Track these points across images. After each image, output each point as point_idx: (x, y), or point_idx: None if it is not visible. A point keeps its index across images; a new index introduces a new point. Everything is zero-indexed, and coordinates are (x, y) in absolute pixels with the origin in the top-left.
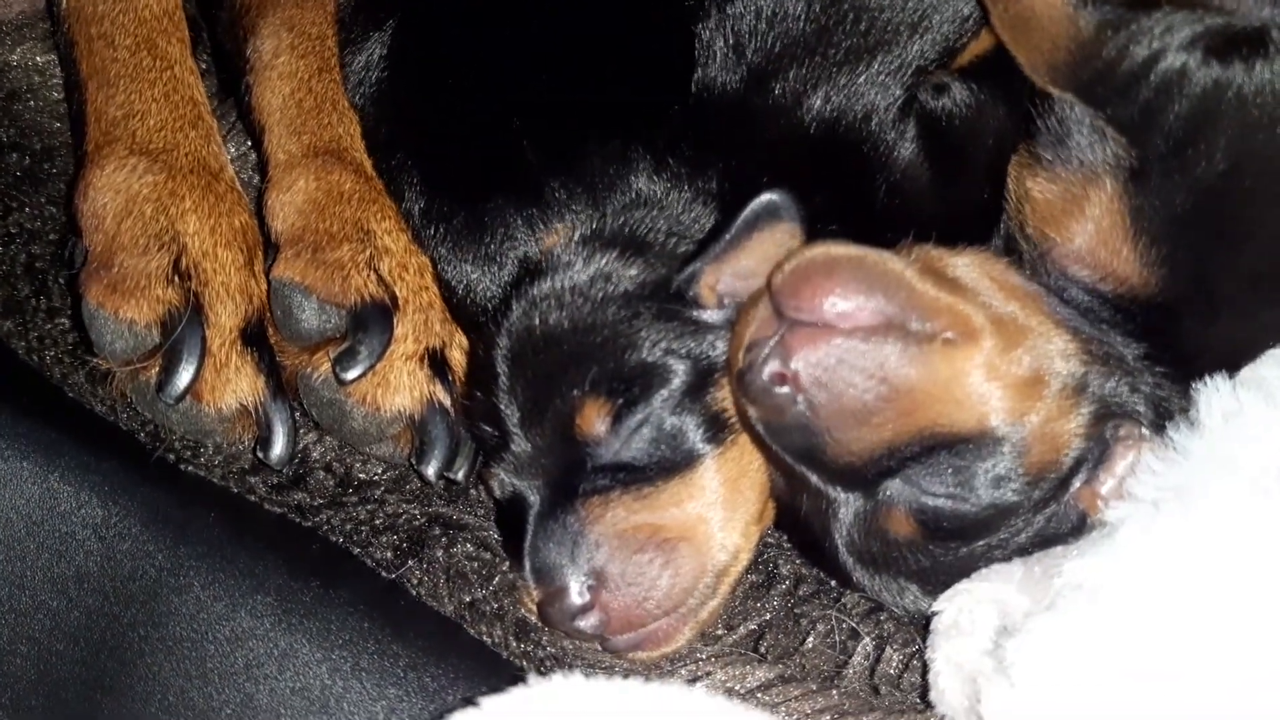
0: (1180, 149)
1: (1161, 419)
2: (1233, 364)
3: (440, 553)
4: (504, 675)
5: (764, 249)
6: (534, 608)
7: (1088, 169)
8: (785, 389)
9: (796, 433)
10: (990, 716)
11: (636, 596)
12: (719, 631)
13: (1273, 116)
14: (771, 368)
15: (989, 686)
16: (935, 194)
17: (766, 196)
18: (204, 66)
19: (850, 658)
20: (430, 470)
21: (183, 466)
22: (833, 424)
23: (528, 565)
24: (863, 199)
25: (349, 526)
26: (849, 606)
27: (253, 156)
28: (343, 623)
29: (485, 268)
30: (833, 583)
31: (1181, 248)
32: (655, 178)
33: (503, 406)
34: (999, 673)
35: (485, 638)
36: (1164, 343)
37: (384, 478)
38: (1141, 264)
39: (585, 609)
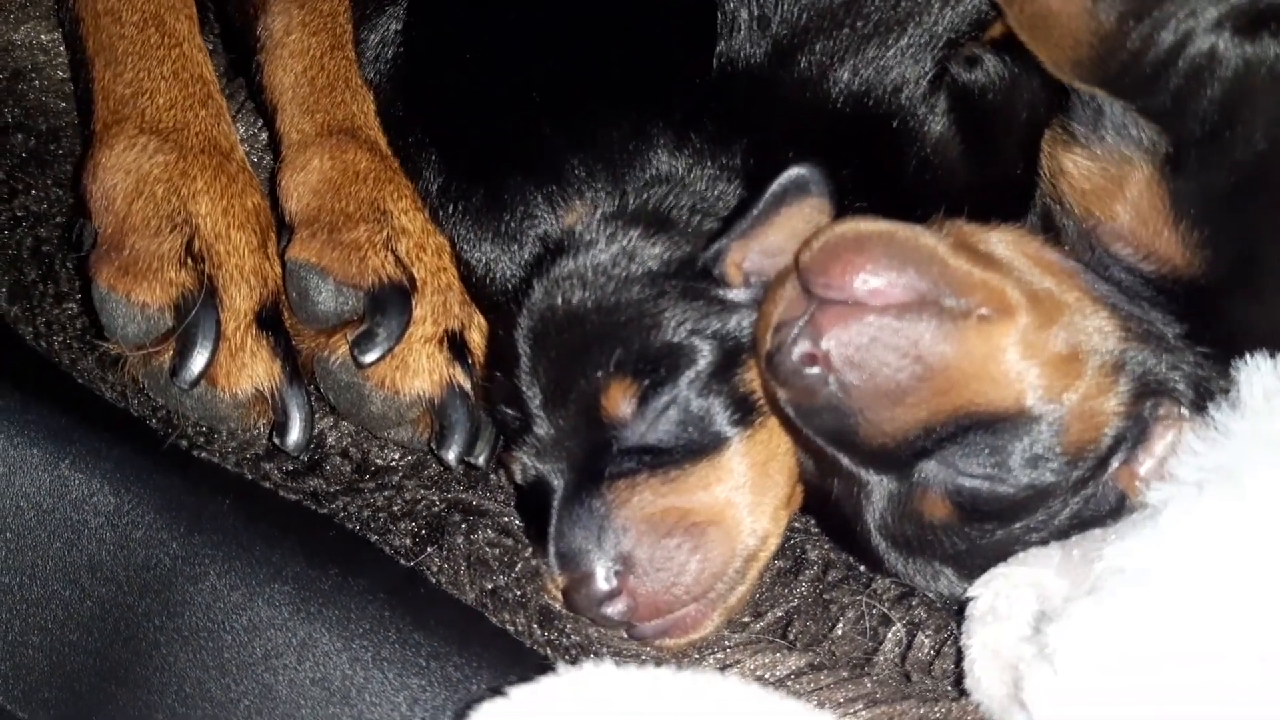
0: (1217, 133)
1: (1202, 398)
2: (1276, 345)
3: (460, 539)
4: (528, 664)
5: (792, 225)
6: (558, 594)
7: (1123, 152)
8: (816, 370)
9: (828, 415)
10: (1034, 704)
11: (664, 582)
12: (746, 619)
13: None
14: (801, 348)
15: (1031, 673)
16: (967, 169)
17: (795, 170)
18: (210, 46)
19: (881, 644)
20: (451, 455)
21: (195, 453)
22: (866, 405)
23: (552, 550)
24: (892, 174)
25: (366, 513)
26: (879, 592)
27: (263, 137)
28: (362, 611)
29: (505, 246)
30: (862, 568)
31: (1224, 230)
32: (677, 154)
33: (525, 388)
34: (1041, 659)
35: (508, 626)
36: (1206, 323)
37: (402, 463)
38: (1183, 246)
39: (612, 595)
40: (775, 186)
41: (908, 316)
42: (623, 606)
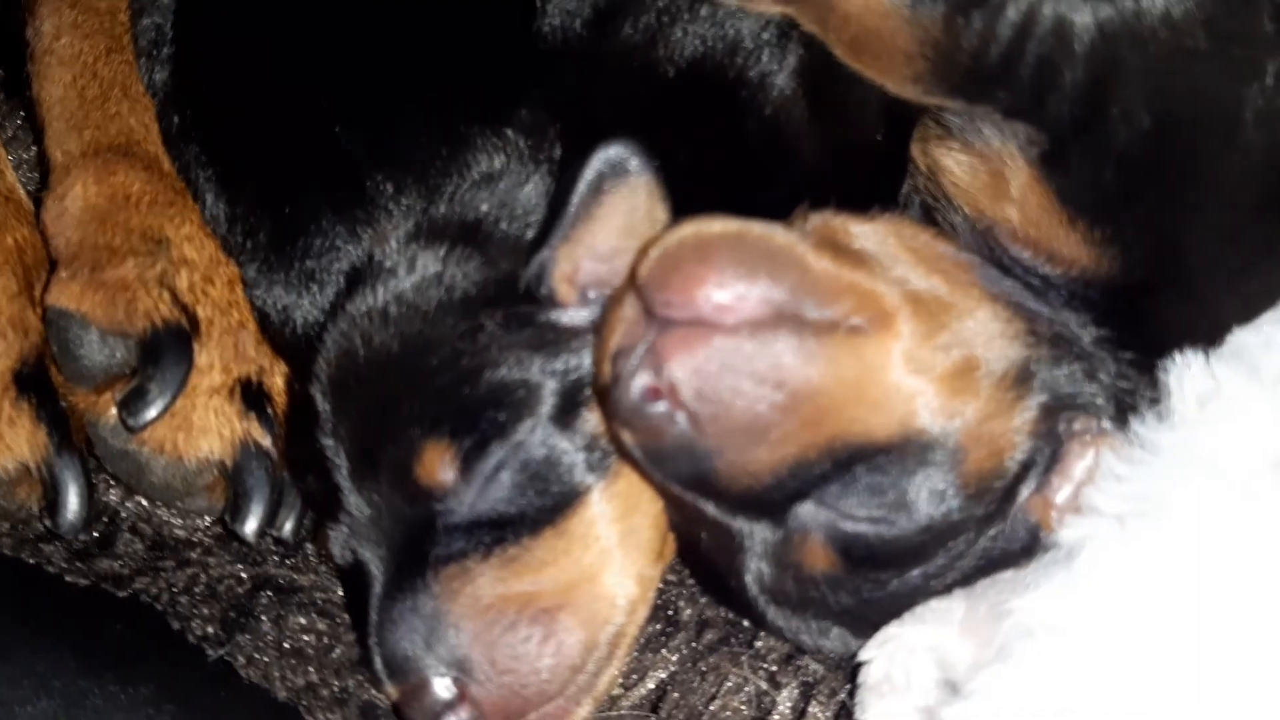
0: (1090, 121)
1: (1125, 411)
2: (1210, 343)
3: (269, 625)
4: None
5: (619, 218)
6: (390, 690)
7: (1002, 149)
8: (661, 405)
9: (681, 457)
10: None
11: (512, 685)
12: (615, 691)
13: (1180, 45)
14: (642, 381)
15: None
16: (817, 135)
17: (609, 150)
18: None
19: (769, 715)
20: (249, 528)
21: None
22: (723, 444)
23: (377, 657)
24: (735, 148)
25: (165, 596)
26: (764, 653)
27: None
28: None
29: (303, 289)
30: (745, 623)
31: (1129, 223)
32: (493, 153)
33: (330, 455)
34: None
35: None
36: (1128, 325)
37: (207, 535)
38: (1086, 245)
39: (452, 705)
40: (588, 172)
41: (763, 335)
42: (466, 718)
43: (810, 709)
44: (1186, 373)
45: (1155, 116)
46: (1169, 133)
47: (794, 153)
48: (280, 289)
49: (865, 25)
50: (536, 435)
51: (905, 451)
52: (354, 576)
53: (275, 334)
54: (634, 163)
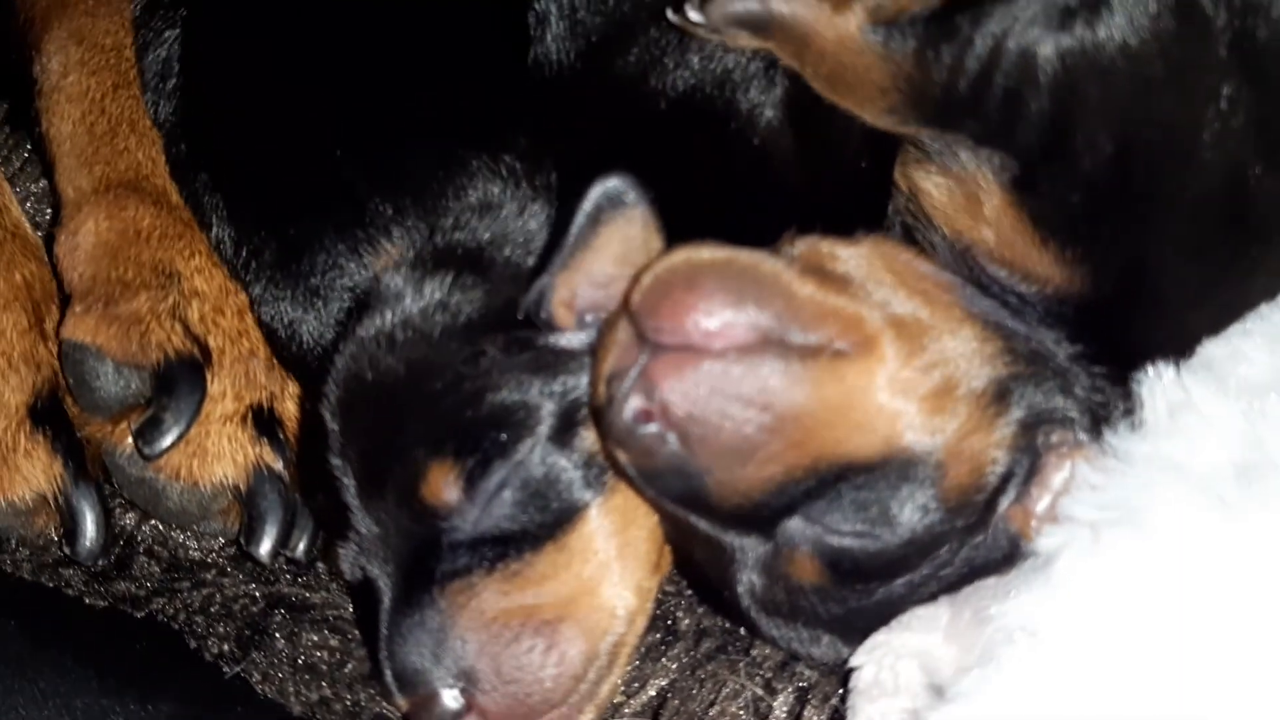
0: (1056, 147)
1: (1099, 423)
2: (1180, 356)
3: (283, 642)
4: None
5: (616, 247)
6: (401, 702)
7: (977, 174)
8: (653, 427)
9: (672, 476)
10: None
11: (518, 695)
12: (618, 698)
13: (1139, 73)
14: (635, 404)
15: None
16: (803, 163)
17: (607, 182)
18: None
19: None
20: (263, 550)
21: None
22: (712, 463)
23: (387, 671)
24: (725, 176)
25: (182, 616)
26: (760, 660)
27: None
28: None
29: (308, 305)
30: (742, 631)
31: (1098, 244)
32: (491, 180)
33: (338, 475)
34: None
35: None
36: (1102, 341)
37: (221, 556)
38: (1058, 265)
39: (460, 715)
40: (587, 203)
41: (750, 359)
42: None
43: (805, 713)
44: (1158, 384)
45: (1117, 142)
46: (1131, 156)
47: (782, 180)
48: (286, 305)
49: (841, 61)
50: (536, 454)
51: (888, 469)
52: (364, 593)
53: (283, 349)
54: (631, 195)
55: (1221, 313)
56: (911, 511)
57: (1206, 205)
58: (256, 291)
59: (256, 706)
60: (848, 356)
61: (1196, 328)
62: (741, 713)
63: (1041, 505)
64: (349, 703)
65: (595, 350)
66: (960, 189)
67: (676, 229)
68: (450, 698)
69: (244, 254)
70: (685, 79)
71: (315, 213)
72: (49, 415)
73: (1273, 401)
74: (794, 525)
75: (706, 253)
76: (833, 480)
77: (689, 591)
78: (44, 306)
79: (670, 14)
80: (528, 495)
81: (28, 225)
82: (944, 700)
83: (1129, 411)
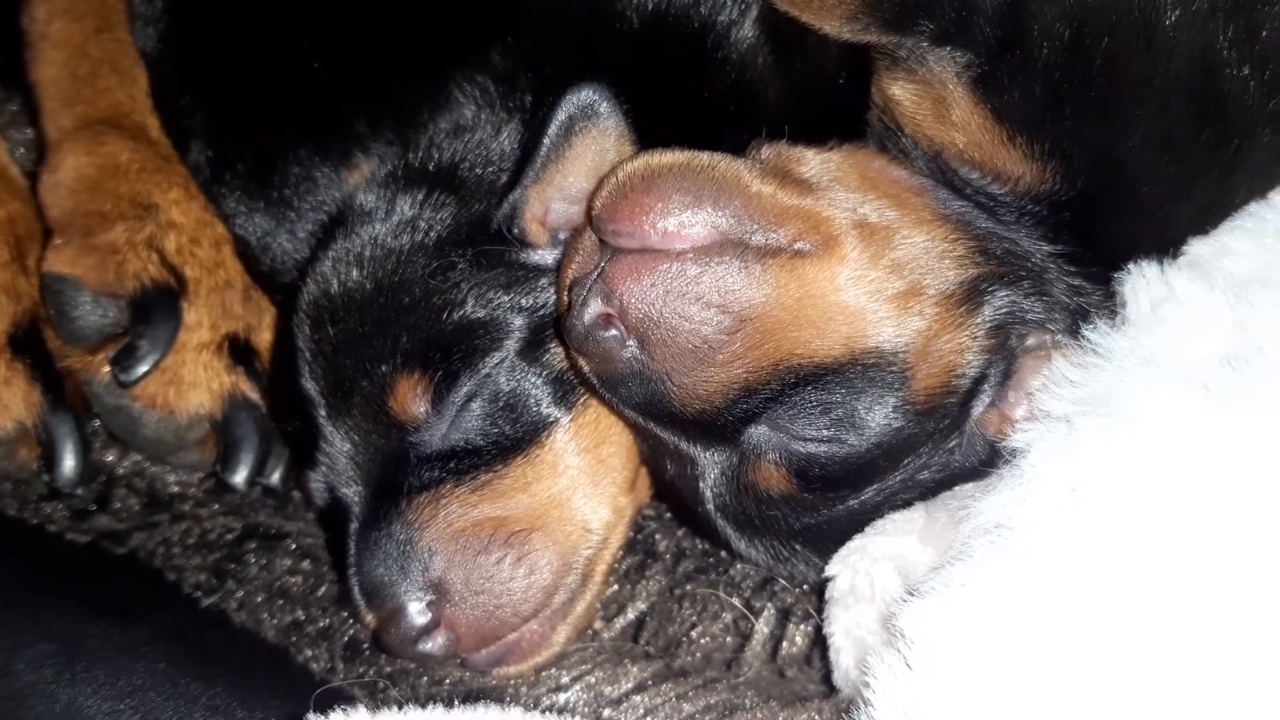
0: (1013, 39)
1: (1078, 323)
2: (1164, 251)
3: (256, 569)
4: (330, 705)
5: (589, 159)
6: (369, 622)
7: (943, 76)
8: (612, 331)
9: (634, 382)
10: (879, 703)
11: (487, 606)
12: (597, 624)
13: None
14: (593, 308)
15: (878, 668)
16: (782, 79)
17: (580, 93)
18: None
19: (748, 640)
20: (239, 478)
21: None
22: (672, 367)
23: (355, 586)
24: (703, 93)
25: (161, 550)
26: (738, 580)
27: None
28: (134, 667)
29: (281, 217)
30: (721, 553)
31: (1064, 134)
32: (466, 100)
33: (308, 393)
34: (890, 647)
35: (313, 664)
36: (1081, 239)
37: (200, 490)
38: (1028, 161)
39: (428, 630)
40: (560, 114)
41: (708, 259)
42: (442, 641)
43: (788, 630)
44: (1140, 280)
45: (1073, 29)
46: (1088, 43)
47: (760, 95)
48: (259, 217)
49: None
50: (504, 368)
51: (854, 372)
52: (333, 514)
53: (254, 263)
54: (603, 106)
55: (1207, 210)
56: (879, 415)
57: (1175, 95)
58: (230, 205)
59: (233, 634)
60: (809, 256)
61: (1180, 226)
62: (723, 634)
63: (1019, 410)
64: (322, 626)
65: (561, 259)
66: (928, 94)
67: (652, 144)
68: (417, 610)
69: (220, 168)
70: None
71: (292, 125)
72: (28, 346)
73: (1257, 292)
74: (759, 433)
75: (667, 156)
76: (797, 384)
77: (669, 516)
78: (26, 242)
79: None
80: (496, 409)
81: (14, 166)
82: (915, 596)
83: (1111, 310)
